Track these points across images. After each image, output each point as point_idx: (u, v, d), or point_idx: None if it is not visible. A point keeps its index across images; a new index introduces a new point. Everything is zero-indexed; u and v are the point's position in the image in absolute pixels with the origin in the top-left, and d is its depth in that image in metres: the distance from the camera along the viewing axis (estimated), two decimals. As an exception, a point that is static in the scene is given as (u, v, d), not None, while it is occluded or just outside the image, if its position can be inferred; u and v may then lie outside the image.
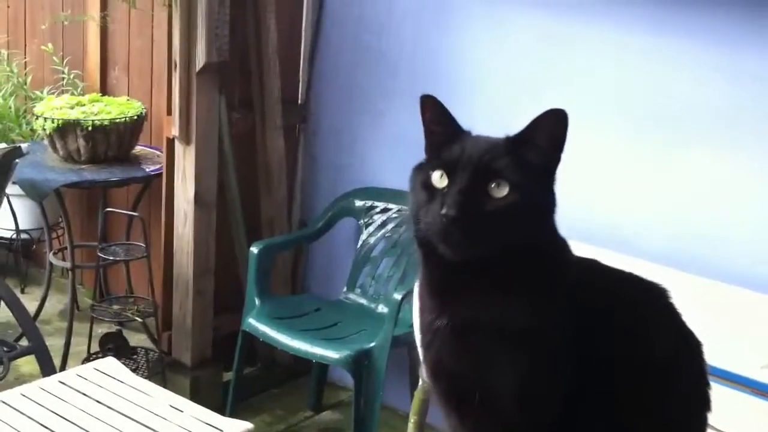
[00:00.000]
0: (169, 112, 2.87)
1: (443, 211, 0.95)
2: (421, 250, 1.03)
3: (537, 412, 0.99)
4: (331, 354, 2.62)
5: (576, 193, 2.58)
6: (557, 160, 1.03)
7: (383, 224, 2.99)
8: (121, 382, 2.32)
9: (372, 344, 2.60)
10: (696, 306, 2.10)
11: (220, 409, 2.78)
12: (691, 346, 1.08)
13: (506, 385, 0.99)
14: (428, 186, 1.00)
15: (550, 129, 1.02)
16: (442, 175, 0.99)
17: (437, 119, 1.05)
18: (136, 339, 3.26)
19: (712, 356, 1.81)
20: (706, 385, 1.08)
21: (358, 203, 3.03)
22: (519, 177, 0.98)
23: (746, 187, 2.34)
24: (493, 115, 2.69)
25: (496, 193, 0.97)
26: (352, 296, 3.02)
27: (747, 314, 2.11)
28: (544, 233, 1.02)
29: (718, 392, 1.78)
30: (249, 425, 2.20)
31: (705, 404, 1.08)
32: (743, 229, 2.34)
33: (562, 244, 1.05)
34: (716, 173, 2.39)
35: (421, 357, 1.07)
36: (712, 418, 1.75)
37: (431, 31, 2.88)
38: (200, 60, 2.72)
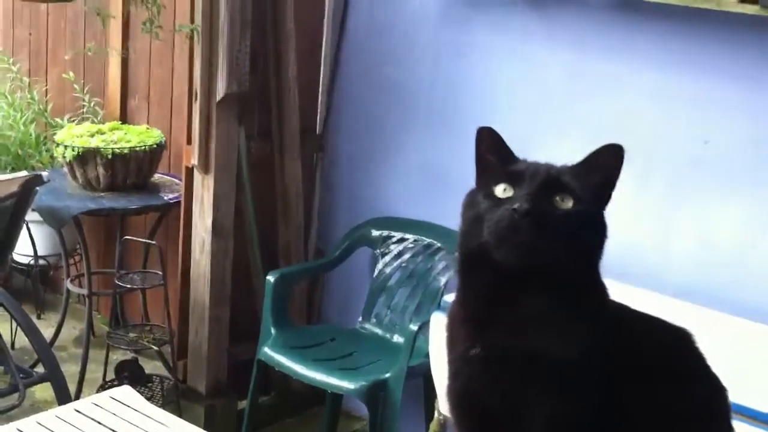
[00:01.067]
0: (189, 141, 2.89)
1: (515, 206, 0.97)
2: (467, 266, 1.04)
3: None
4: (346, 384, 2.61)
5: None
6: (611, 193, 1.07)
7: (399, 254, 2.99)
8: (137, 410, 2.32)
9: (387, 375, 2.59)
10: (716, 341, 2.10)
11: (235, 439, 2.79)
12: (719, 392, 1.07)
13: (537, 418, 0.98)
14: (491, 196, 1.02)
15: (609, 161, 1.06)
16: (506, 188, 1.01)
17: (494, 148, 1.07)
18: (152, 367, 3.26)
19: (739, 395, 1.81)
20: (730, 429, 1.08)
21: (375, 233, 3.03)
22: (584, 193, 1.02)
23: (761, 221, 2.34)
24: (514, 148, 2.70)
25: (562, 205, 1.00)
26: (367, 326, 3.02)
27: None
28: (596, 260, 1.04)
29: (740, 429, 1.78)
30: (264, 455, 2.20)
31: None
32: (762, 264, 2.33)
33: (602, 282, 1.06)
34: (734, 207, 2.38)
35: (444, 388, 1.06)
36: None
37: (451, 66, 2.89)
38: (221, 90, 2.75)
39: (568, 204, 1.00)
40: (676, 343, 1.05)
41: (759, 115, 2.32)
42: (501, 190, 1.01)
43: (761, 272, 2.33)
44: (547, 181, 1.01)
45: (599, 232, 1.04)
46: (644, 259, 2.50)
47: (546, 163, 1.06)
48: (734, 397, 1.77)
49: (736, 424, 1.74)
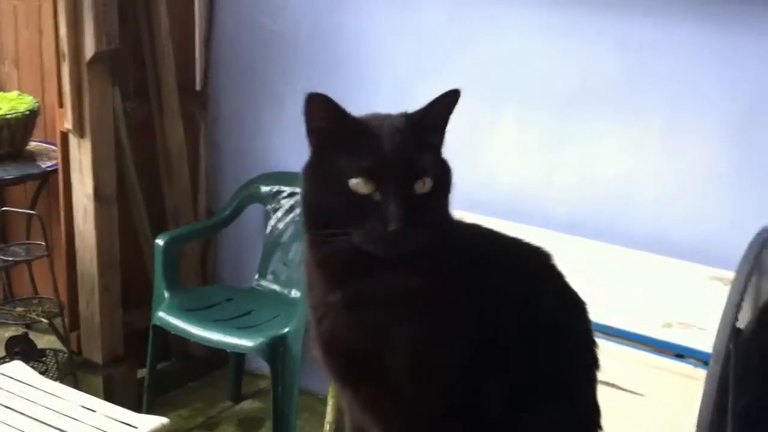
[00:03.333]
0: (61, 105, 2.78)
1: (392, 228, 0.94)
2: (320, 238, 1.00)
3: (432, 382, 1.00)
4: (245, 342, 2.59)
5: (480, 167, 2.62)
6: (445, 132, 1.05)
7: (291, 209, 2.96)
8: (30, 385, 2.26)
9: (286, 329, 2.58)
10: (599, 270, 2.17)
11: (137, 407, 2.73)
12: (576, 306, 1.10)
13: (401, 355, 0.99)
14: (347, 194, 0.96)
15: (448, 109, 1.03)
16: (365, 182, 0.96)
17: (330, 118, 1.00)
18: (45, 341, 3.17)
19: (615, 318, 1.87)
20: (593, 343, 1.11)
21: (265, 189, 2.99)
22: (434, 166, 1.00)
23: (643, 153, 2.40)
24: (397, 95, 2.70)
25: (422, 189, 0.98)
26: (264, 283, 2.99)
27: (648, 276, 2.17)
28: (449, 207, 1.04)
29: (622, 352, 1.85)
30: (164, 420, 2.17)
31: (593, 362, 1.11)
32: (640, 195, 2.40)
33: (451, 214, 1.06)
34: (614, 141, 2.44)
35: (312, 333, 1.05)
36: (618, 377, 1.81)
37: (330, 14, 2.85)
38: (89, 49, 2.64)
39: (428, 185, 0.98)
40: (532, 260, 1.08)
41: (626, 47, 2.36)
42: (361, 185, 0.96)
43: (637, 201, 2.40)
44: (406, 171, 0.97)
45: (449, 184, 1.03)
46: (531, 197, 2.54)
47: (390, 129, 1.00)
48: (610, 319, 1.85)
49: (610, 344, 1.81)
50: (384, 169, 0.96)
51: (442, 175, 1.01)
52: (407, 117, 1.03)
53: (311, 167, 1.02)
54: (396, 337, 0.99)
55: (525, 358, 1.02)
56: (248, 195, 3.02)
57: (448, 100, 1.02)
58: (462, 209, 2.68)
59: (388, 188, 0.96)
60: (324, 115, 1.00)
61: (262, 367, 3.02)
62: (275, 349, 2.57)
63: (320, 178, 1.00)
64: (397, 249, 0.96)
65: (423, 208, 0.97)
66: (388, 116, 1.03)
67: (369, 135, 0.99)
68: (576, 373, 1.08)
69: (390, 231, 0.94)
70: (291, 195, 2.96)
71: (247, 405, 3.09)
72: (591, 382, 1.10)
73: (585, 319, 1.10)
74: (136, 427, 2.10)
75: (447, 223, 1.03)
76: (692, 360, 1.78)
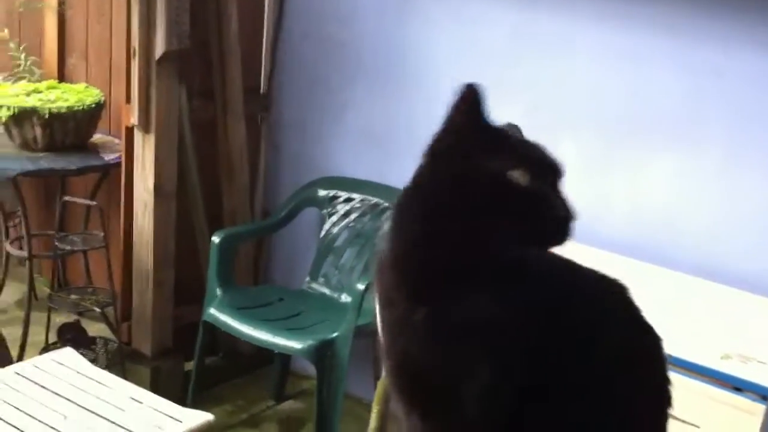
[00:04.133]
0: (128, 100, 2.83)
1: (562, 214, 0.96)
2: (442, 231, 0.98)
3: (495, 412, 0.96)
4: (293, 344, 2.61)
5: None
6: None
7: (346, 214, 2.98)
8: (79, 372, 2.30)
9: (335, 334, 2.60)
10: (658, 296, 2.14)
11: (182, 400, 2.76)
12: (653, 342, 1.06)
13: (477, 389, 0.94)
14: (507, 187, 0.95)
15: None
16: (523, 175, 0.95)
17: (478, 112, 0.99)
18: (96, 329, 3.22)
19: (673, 347, 1.85)
20: (667, 381, 1.07)
21: (322, 193, 3.02)
22: None
23: (702, 179, 2.37)
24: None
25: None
26: (315, 286, 3.01)
27: (708, 306, 2.14)
28: None
29: (679, 381, 1.82)
30: (209, 416, 2.19)
31: (668, 400, 1.07)
32: (697, 220, 2.38)
33: None
34: (673, 165, 2.42)
35: (382, 348, 1.01)
36: (675, 408, 1.78)
37: (395, 25, 2.87)
38: (160, 48, 2.68)
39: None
40: (608, 293, 1.05)
41: (688, 71, 2.34)
42: (521, 177, 0.95)
43: (696, 228, 2.37)
44: (558, 168, 1.00)
45: None
46: (584, 215, 2.52)
47: (515, 131, 1.03)
48: (668, 347, 1.83)
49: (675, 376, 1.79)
50: (538, 162, 0.99)
51: None
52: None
53: (444, 157, 1.02)
54: (476, 368, 0.94)
55: (597, 397, 0.98)
56: (305, 198, 3.04)
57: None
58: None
59: (548, 180, 0.99)
60: (472, 108, 1.01)
61: (307, 367, 3.04)
62: (323, 353, 2.58)
63: (461, 171, 0.99)
64: (568, 234, 0.98)
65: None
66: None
67: (504, 135, 1.02)
68: (650, 410, 1.04)
69: (563, 216, 0.97)
70: (347, 200, 2.98)
71: (289, 405, 3.11)
72: (664, 421, 1.06)
73: (661, 356, 1.06)
74: (181, 422, 2.12)
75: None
76: (750, 394, 1.75)
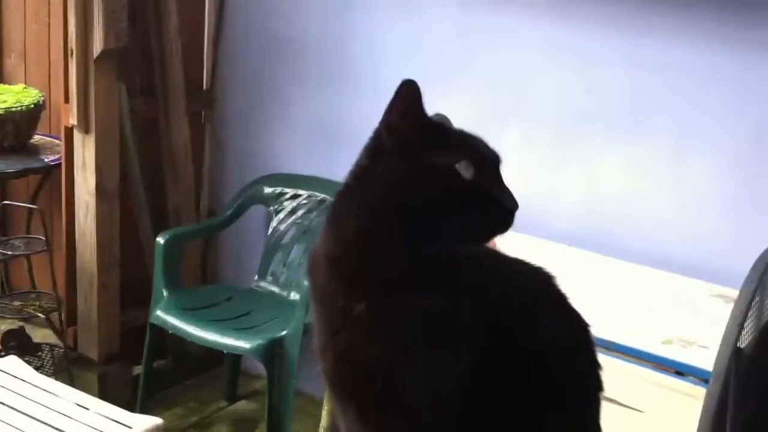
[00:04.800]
0: (67, 100, 2.77)
1: (509, 206, 0.97)
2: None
3: (442, 404, 0.96)
4: (242, 344, 2.58)
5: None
6: None
7: (293, 210, 2.96)
8: (24, 380, 2.25)
9: (284, 332, 2.58)
10: (601, 284, 2.16)
11: (131, 404, 2.73)
12: (582, 329, 1.08)
13: (418, 376, 0.95)
14: (454, 180, 0.95)
15: None
16: (467, 167, 0.96)
17: (417, 108, 0.99)
18: (42, 335, 3.16)
19: (616, 334, 1.87)
20: (597, 366, 1.09)
21: (268, 190, 2.99)
22: None
23: (648, 171, 2.40)
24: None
25: None
26: (263, 284, 2.99)
27: (650, 292, 2.16)
28: None
29: (623, 368, 1.84)
30: (158, 420, 2.16)
31: (597, 385, 1.09)
32: (644, 211, 2.40)
33: None
34: (617, 155, 2.44)
35: (320, 345, 1.01)
36: (618, 393, 1.80)
37: (339, 19, 2.85)
38: (98, 46, 2.63)
39: None
40: (535, 282, 1.06)
41: (636, 65, 2.36)
42: (464, 168, 0.96)
43: (641, 217, 2.39)
44: (499, 160, 1.01)
45: None
46: (534, 208, 2.54)
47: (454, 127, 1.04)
48: (611, 334, 1.85)
49: (610, 359, 1.80)
50: (483, 156, 1.01)
51: None
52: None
53: (390, 154, 1.02)
54: (416, 356, 0.95)
55: (525, 381, 1.00)
56: (251, 196, 3.01)
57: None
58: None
59: (491, 173, 1.00)
60: (412, 104, 1.01)
61: (258, 367, 3.01)
62: (272, 351, 2.56)
63: (408, 168, 0.99)
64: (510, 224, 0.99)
65: None
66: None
67: (445, 129, 1.03)
68: (578, 396, 1.06)
69: (508, 208, 0.98)
70: (294, 197, 2.96)
71: (242, 405, 3.08)
72: (595, 405, 1.08)
73: (588, 341, 1.08)
74: (130, 427, 2.09)
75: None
76: (692, 378, 1.77)
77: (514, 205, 0.97)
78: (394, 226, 0.96)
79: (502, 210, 0.97)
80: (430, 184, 0.96)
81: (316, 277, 1.02)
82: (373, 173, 0.99)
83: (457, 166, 0.96)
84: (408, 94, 0.99)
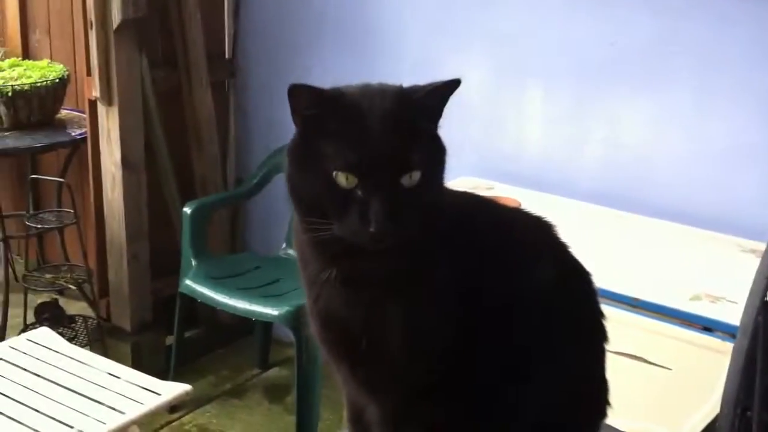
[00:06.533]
0: (89, 73, 2.78)
1: (372, 229, 0.90)
2: (311, 229, 0.96)
3: (425, 358, 0.98)
4: (270, 311, 2.59)
5: (506, 138, 2.58)
6: (439, 122, 1.00)
7: (319, 177, 2.94)
8: (56, 351, 2.28)
9: (311, 299, 2.57)
10: (627, 241, 2.12)
11: (164, 374, 2.76)
12: (578, 277, 1.06)
13: (394, 330, 0.97)
14: (330, 184, 0.92)
15: (446, 97, 0.98)
16: (348, 176, 0.91)
17: (314, 105, 0.95)
18: (77, 307, 3.20)
19: (642, 291, 1.83)
20: (599, 314, 1.07)
21: (293, 157, 2.97)
22: (425, 156, 0.94)
23: (672, 121, 2.34)
24: (418, 65, 2.66)
25: (409, 182, 0.93)
26: (291, 252, 2.98)
27: (677, 247, 2.12)
28: (442, 189, 1.00)
29: (649, 325, 1.81)
30: (186, 387, 2.18)
31: (599, 333, 1.07)
32: (669, 164, 2.35)
33: (444, 189, 1.01)
34: (640, 108, 2.38)
35: (309, 310, 1.04)
36: (645, 350, 1.77)
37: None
38: (116, 17, 2.63)
39: (416, 177, 0.93)
40: (532, 231, 1.04)
41: (660, 14, 2.29)
42: (344, 179, 0.91)
43: (666, 171, 2.34)
44: (393, 166, 0.92)
45: (441, 170, 0.98)
46: (558, 166, 2.50)
47: (379, 114, 0.94)
48: (637, 291, 1.82)
49: (637, 317, 1.77)
50: (368, 163, 0.91)
51: (433, 164, 0.96)
52: (401, 95, 0.96)
53: (296, 149, 0.97)
54: (390, 314, 0.97)
55: (522, 330, 0.99)
56: (277, 164, 3.00)
57: (448, 90, 0.97)
58: (489, 179, 2.64)
59: (371, 184, 0.91)
60: (307, 104, 0.95)
61: (289, 335, 3.01)
62: (300, 318, 2.56)
63: (304, 163, 0.95)
64: (381, 246, 0.92)
65: (409, 202, 0.92)
66: (382, 92, 0.97)
67: (356, 121, 0.93)
68: (580, 345, 1.04)
69: (372, 232, 0.91)
70: (318, 164, 2.94)
71: (274, 373, 3.10)
72: (597, 356, 1.06)
73: (589, 290, 1.06)
74: (159, 394, 2.11)
75: (438, 210, 0.97)
76: (720, 333, 1.73)
77: (374, 234, 0.91)
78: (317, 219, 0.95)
79: (364, 232, 0.92)
80: (317, 187, 0.94)
81: (300, 248, 1.03)
82: (287, 173, 0.98)
83: (334, 174, 0.92)
84: (298, 95, 0.95)
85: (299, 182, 0.96)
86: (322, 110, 0.94)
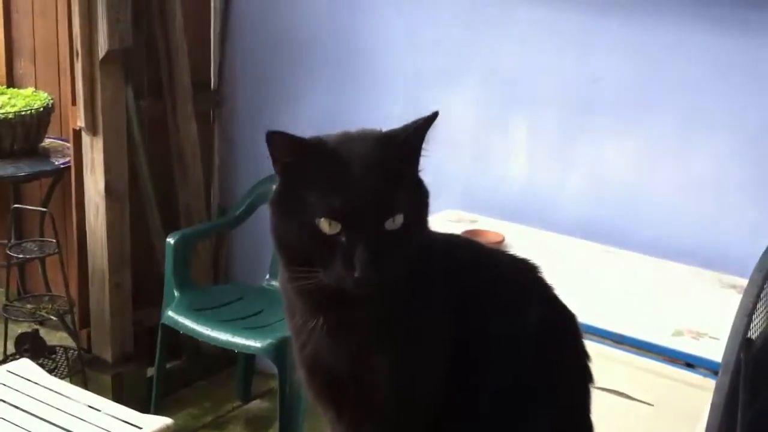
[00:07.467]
0: (74, 102, 2.78)
1: (357, 275, 0.91)
2: (297, 278, 0.97)
3: (412, 402, 0.98)
4: (253, 343, 2.57)
5: (491, 170, 2.59)
6: (420, 160, 1.00)
7: (303, 208, 2.94)
8: (36, 383, 2.26)
9: (295, 331, 2.56)
10: (610, 275, 2.13)
11: (146, 405, 2.73)
12: (564, 319, 1.06)
13: (381, 378, 0.98)
14: (315, 232, 0.92)
15: (425, 132, 0.98)
16: (331, 223, 0.92)
17: (296, 153, 0.95)
18: (58, 337, 3.18)
19: (625, 326, 1.84)
20: (584, 356, 1.07)
21: (277, 188, 2.97)
22: (408, 199, 0.95)
23: (655, 158, 2.36)
24: (406, 97, 2.68)
25: (392, 226, 0.93)
26: (275, 283, 2.97)
27: (659, 283, 2.12)
28: (426, 232, 1.00)
29: (631, 361, 1.81)
30: (168, 420, 2.15)
31: (585, 375, 1.07)
32: (652, 199, 2.36)
33: (429, 232, 1.03)
34: (623, 145, 2.40)
35: (296, 357, 1.04)
36: (627, 386, 1.77)
37: (344, 14, 2.83)
38: (103, 47, 2.64)
39: (399, 221, 0.94)
40: (517, 273, 1.05)
41: (642, 53, 2.32)
42: (327, 226, 0.92)
43: (649, 206, 2.36)
44: (376, 211, 0.93)
45: (424, 212, 0.99)
46: (542, 200, 2.51)
47: (360, 159, 0.94)
48: (620, 326, 1.82)
49: (619, 352, 1.77)
50: (351, 209, 0.91)
51: (416, 206, 0.96)
52: (382, 140, 0.97)
53: (279, 200, 0.97)
54: (376, 362, 0.98)
55: (509, 374, 0.99)
56: (261, 194, 3.00)
57: (427, 125, 0.97)
58: (473, 212, 2.65)
59: (355, 229, 0.92)
60: (287, 152, 0.95)
61: (272, 367, 2.99)
62: (283, 350, 2.54)
63: (287, 213, 0.95)
64: (366, 291, 0.93)
65: (393, 246, 0.92)
66: (362, 137, 0.97)
67: (337, 168, 0.93)
68: (564, 387, 1.04)
69: (357, 278, 0.91)
70: (303, 195, 2.94)
71: (256, 405, 3.07)
72: (582, 397, 1.06)
73: (575, 333, 1.06)
74: (140, 428, 2.08)
75: (422, 252, 0.98)
76: (703, 370, 1.74)
77: (358, 279, 0.91)
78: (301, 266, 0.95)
79: (349, 278, 0.92)
80: (301, 234, 0.94)
81: (287, 296, 1.04)
82: (272, 221, 0.99)
83: (316, 221, 0.93)
84: (277, 144, 0.96)
85: (284, 232, 0.96)
86: (301, 158, 0.95)
